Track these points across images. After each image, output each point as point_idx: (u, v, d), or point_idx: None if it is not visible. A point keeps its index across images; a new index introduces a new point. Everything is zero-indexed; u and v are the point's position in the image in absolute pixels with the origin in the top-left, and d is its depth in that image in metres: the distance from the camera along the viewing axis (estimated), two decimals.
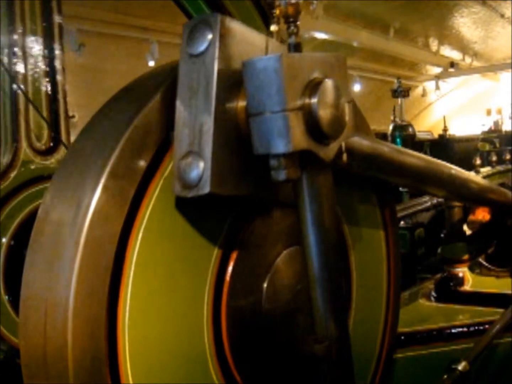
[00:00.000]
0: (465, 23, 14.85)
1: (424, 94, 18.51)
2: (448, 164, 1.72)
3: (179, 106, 1.00)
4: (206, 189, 0.95)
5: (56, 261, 0.92)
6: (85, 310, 0.90)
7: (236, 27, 1.03)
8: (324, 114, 1.00)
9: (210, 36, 0.98)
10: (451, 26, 14.99)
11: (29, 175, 2.91)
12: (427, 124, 17.79)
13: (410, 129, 8.19)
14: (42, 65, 2.96)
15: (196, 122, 0.98)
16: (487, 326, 1.89)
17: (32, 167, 2.94)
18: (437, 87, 18.17)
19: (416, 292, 2.40)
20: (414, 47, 15.49)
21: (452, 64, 17.48)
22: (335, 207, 1.13)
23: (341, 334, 1.15)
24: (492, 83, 20.12)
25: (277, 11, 1.08)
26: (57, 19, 2.98)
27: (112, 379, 0.94)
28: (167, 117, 1.02)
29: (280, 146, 0.97)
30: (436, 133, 11.58)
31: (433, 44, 16.14)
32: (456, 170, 1.74)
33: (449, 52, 17.02)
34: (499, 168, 2.91)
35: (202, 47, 0.99)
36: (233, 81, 1.01)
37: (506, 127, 11.61)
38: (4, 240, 2.82)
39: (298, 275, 1.27)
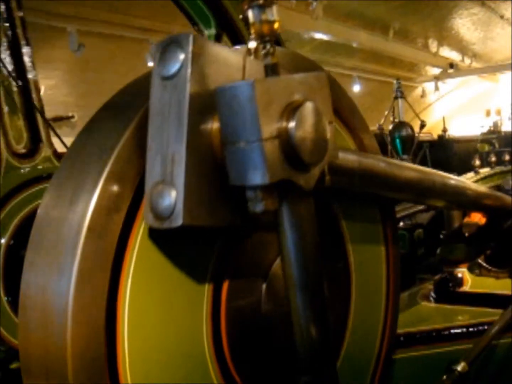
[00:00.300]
0: (465, 24, 14.86)
1: (423, 95, 18.51)
2: (442, 173, 1.72)
3: (151, 131, 0.95)
4: (178, 221, 0.90)
5: (55, 261, 0.92)
6: (84, 311, 0.89)
7: (211, 46, 0.98)
8: (303, 140, 0.95)
9: (181, 57, 0.92)
10: (450, 27, 15.00)
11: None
12: (426, 125, 17.79)
13: (410, 130, 8.18)
14: (9, 64, 2.88)
15: (168, 150, 0.93)
16: (486, 326, 1.89)
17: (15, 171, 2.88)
18: (437, 88, 18.17)
19: (415, 293, 2.40)
20: (413, 48, 15.50)
21: (452, 65, 17.48)
22: (317, 232, 1.09)
23: (327, 370, 1.10)
24: (492, 84, 20.13)
25: (251, 30, 1.01)
26: (17, 13, 2.92)
27: (111, 380, 0.94)
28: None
29: (256, 178, 0.92)
30: (436, 133, 11.59)
31: (433, 45, 16.15)
32: (450, 178, 1.74)
33: (449, 53, 17.02)
34: (498, 168, 2.91)
35: (173, 69, 0.93)
36: (207, 105, 0.95)
37: (505, 128, 11.61)
38: (3, 240, 2.81)
39: None
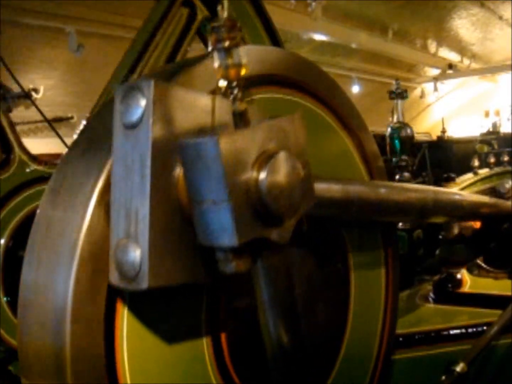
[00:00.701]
0: (464, 24, 14.86)
1: (422, 96, 18.51)
2: (436, 189, 1.71)
3: (115, 182, 0.89)
4: (144, 284, 0.85)
5: (54, 262, 0.91)
6: (83, 311, 0.89)
7: (175, 91, 0.91)
8: (275, 194, 0.90)
9: (143, 105, 0.86)
10: (449, 27, 15.00)
11: None
12: (425, 126, 17.80)
13: (409, 131, 8.19)
14: None
15: (131, 205, 0.87)
16: (485, 327, 1.89)
17: None
18: (436, 89, 18.17)
19: (414, 293, 2.40)
20: (412, 49, 15.50)
21: (451, 66, 17.49)
22: (293, 283, 1.06)
23: None
24: (491, 84, 20.14)
25: (217, 75, 0.94)
26: None
27: (110, 380, 0.94)
28: None
29: (224, 240, 0.87)
30: (435, 134, 11.59)
31: (432, 45, 16.15)
32: (445, 193, 1.73)
33: (448, 54, 17.02)
34: (497, 169, 2.91)
35: (135, 118, 0.86)
36: (173, 155, 0.89)
37: (504, 129, 11.62)
38: (2, 241, 2.81)
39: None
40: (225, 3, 0.95)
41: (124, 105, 0.87)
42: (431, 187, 1.73)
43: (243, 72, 0.94)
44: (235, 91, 0.94)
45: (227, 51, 0.92)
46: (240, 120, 0.94)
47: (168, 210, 0.89)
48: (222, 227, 0.86)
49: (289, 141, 0.98)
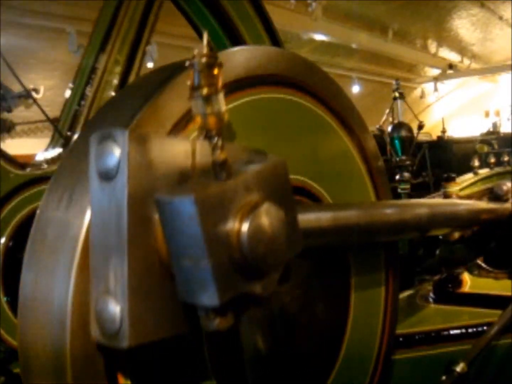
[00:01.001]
0: (464, 25, 14.86)
1: (422, 96, 18.51)
2: (431, 202, 1.69)
3: (93, 236, 0.86)
4: (124, 343, 0.82)
5: (54, 261, 0.91)
6: (83, 311, 0.89)
7: (152, 138, 0.86)
8: (258, 249, 0.87)
9: (118, 156, 0.82)
10: (449, 28, 15.00)
11: None
12: (425, 126, 17.80)
13: (409, 131, 8.20)
14: None
15: (110, 262, 0.84)
16: (485, 327, 1.89)
17: None
18: (436, 89, 18.17)
19: (414, 294, 2.40)
20: (412, 49, 15.50)
21: (451, 66, 17.49)
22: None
23: None
24: (491, 85, 20.14)
25: (195, 124, 0.90)
26: None
27: (110, 380, 0.94)
28: None
29: (205, 300, 0.83)
30: (435, 134, 11.59)
31: (432, 46, 16.15)
32: (440, 205, 1.71)
33: (448, 54, 17.03)
34: (497, 169, 2.91)
35: (110, 171, 0.82)
36: (152, 206, 0.85)
37: (504, 129, 11.63)
38: (2, 241, 2.81)
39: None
40: (205, 37, 0.88)
41: (99, 155, 0.83)
42: (426, 201, 1.70)
43: (223, 120, 0.88)
44: (215, 141, 0.88)
45: (206, 100, 0.87)
46: (221, 169, 0.88)
47: (148, 265, 0.86)
48: (203, 286, 0.83)
49: (272, 189, 0.94)
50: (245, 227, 0.86)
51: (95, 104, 3.10)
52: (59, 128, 3.14)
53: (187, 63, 0.87)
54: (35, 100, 2.95)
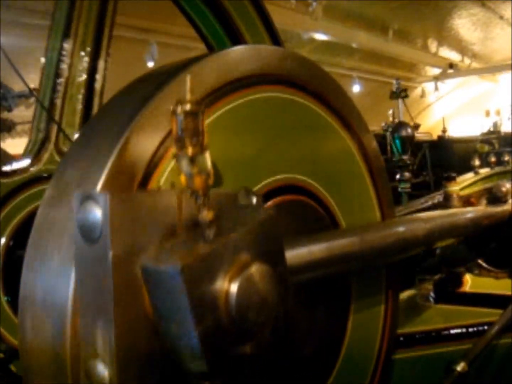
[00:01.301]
0: (464, 24, 14.85)
1: (423, 95, 18.51)
2: (428, 215, 1.66)
3: (81, 292, 0.85)
4: None
5: (55, 262, 0.91)
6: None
7: (136, 196, 0.86)
8: (247, 312, 0.85)
9: (100, 218, 0.80)
10: (450, 27, 15.00)
11: None
12: (426, 125, 17.81)
13: (409, 130, 8.21)
14: None
15: (98, 323, 0.82)
16: (486, 327, 1.89)
17: None
18: (436, 88, 18.18)
19: (415, 293, 2.40)
20: (413, 48, 15.50)
21: (451, 66, 17.49)
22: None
23: None
24: (491, 84, 20.14)
25: (181, 183, 0.86)
26: None
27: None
28: None
29: (193, 366, 0.82)
30: (435, 134, 11.59)
31: (432, 45, 16.15)
32: (437, 217, 1.69)
33: (448, 54, 17.03)
34: (498, 169, 2.91)
35: (93, 233, 0.81)
36: (138, 266, 0.83)
37: (504, 128, 11.62)
38: (3, 241, 2.81)
39: None
40: (188, 81, 0.85)
41: (82, 217, 0.81)
42: (424, 216, 1.68)
43: (209, 180, 0.85)
44: (201, 201, 0.84)
45: (192, 160, 0.84)
46: (208, 229, 0.85)
47: (136, 326, 0.83)
48: (190, 353, 0.80)
49: (261, 247, 0.91)
50: (233, 289, 0.83)
51: (68, 92, 3.04)
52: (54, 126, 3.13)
53: (173, 119, 0.84)
54: (38, 99, 2.93)
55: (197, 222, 0.86)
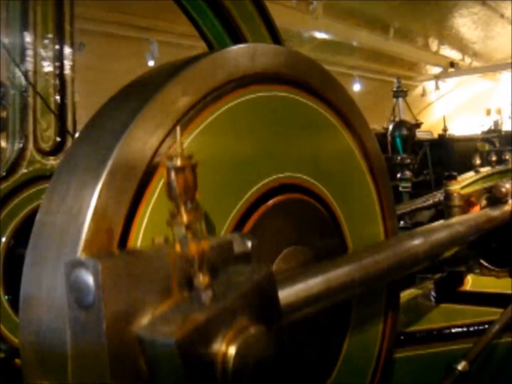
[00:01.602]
0: (465, 23, 14.85)
1: (423, 94, 18.51)
2: (427, 228, 1.64)
3: (74, 364, 0.83)
4: None
5: (56, 260, 0.91)
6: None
7: (127, 261, 0.83)
8: (242, 379, 0.84)
9: (92, 286, 0.78)
10: (450, 26, 14.99)
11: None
12: (426, 124, 17.82)
13: (410, 129, 8.23)
14: None
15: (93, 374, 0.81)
16: (486, 326, 1.89)
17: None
18: (437, 87, 18.17)
19: (416, 292, 2.40)
20: (413, 47, 15.50)
21: (452, 64, 17.48)
22: None
23: None
24: (492, 83, 20.13)
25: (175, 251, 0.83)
26: None
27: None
28: None
29: None
30: (436, 133, 11.59)
31: (433, 44, 16.15)
32: (437, 231, 1.68)
33: (449, 52, 17.02)
34: (499, 168, 2.90)
35: (85, 300, 0.79)
36: (134, 328, 0.81)
37: (505, 127, 11.62)
38: (3, 240, 2.82)
39: None
40: (178, 133, 0.84)
41: (73, 283, 0.80)
42: (424, 229, 1.65)
43: (205, 244, 0.83)
44: (196, 269, 0.82)
45: (187, 227, 0.82)
46: (204, 295, 0.83)
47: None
48: None
49: (259, 308, 0.91)
50: (231, 354, 0.83)
51: (38, 82, 2.98)
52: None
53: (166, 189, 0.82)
54: (41, 97, 2.92)
55: (192, 282, 0.84)
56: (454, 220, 2.05)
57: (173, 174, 0.81)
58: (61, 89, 3.04)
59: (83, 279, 0.79)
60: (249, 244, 1.04)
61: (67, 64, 3.04)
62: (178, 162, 0.81)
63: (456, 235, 1.79)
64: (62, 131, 3.03)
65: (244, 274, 0.94)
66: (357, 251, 1.43)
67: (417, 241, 1.54)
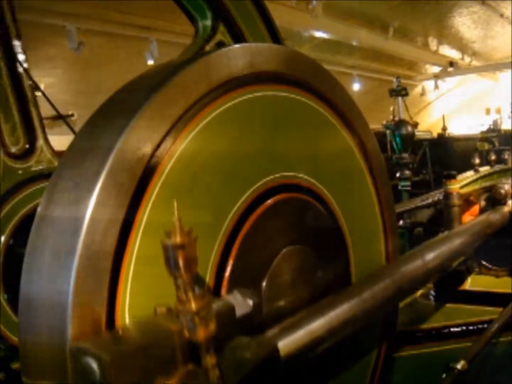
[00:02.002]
0: (464, 22, 14.84)
1: (423, 93, 18.49)
2: (427, 248, 1.63)
3: None
4: None
5: (55, 260, 0.91)
6: (84, 309, 0.89)
7: (130, 352, 0.83)
8: None
9: (97, 375, 0.78)
10: (450, 25, 14.98)
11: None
12: (426, 123, 17.80)
13: (410, 128, 8.22)
14: None
15: None
16: (485, 325, 1.89)
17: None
18: (436, 87, 18.16)
19: None
20: (413, 46, 15.48)
21: (452, 64, 17.46)
22: None
23: None
24: (491, 82, 20.11)
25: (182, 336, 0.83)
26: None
27: None
28: None
29: None
30: (435, 132, 11.58)
31: (433, 43, 16.13)
32: (440, 243, 1.67)
33: (449, 52, 17.00)
34: (498, 167, 2.90)
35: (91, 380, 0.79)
36: None
37: (505, 126, 11.61)
38: (3, 239, 2.81)
39: None
40: (175, 210, 0.84)
41: (79, 372, 0.80)
42: (424, 246, 1.65)
43: (212, 326, 0.82)
44: (203, 351, 0.82)
45: (196, 314, 0.82)
46: (212, 373, 0.82)
47: None
48: None
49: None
50: None
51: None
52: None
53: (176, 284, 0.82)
54: (45, 96, 2.92)
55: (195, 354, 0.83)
56: (456, 230, 2.02)
57: (171, 252, 0.80)
58: (18, 86, 2.85)
59: (89, 369, 0.78)
60: (250, 303, 1.03)
61: (21, 58, 2.85)
62: (178, 239, 0.80)
63: (456, 249, 1.77)
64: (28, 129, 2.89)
65: (250, 350, 0.93)
66: (355, 284, 1.41)
67: (417, 264, 1.52)
